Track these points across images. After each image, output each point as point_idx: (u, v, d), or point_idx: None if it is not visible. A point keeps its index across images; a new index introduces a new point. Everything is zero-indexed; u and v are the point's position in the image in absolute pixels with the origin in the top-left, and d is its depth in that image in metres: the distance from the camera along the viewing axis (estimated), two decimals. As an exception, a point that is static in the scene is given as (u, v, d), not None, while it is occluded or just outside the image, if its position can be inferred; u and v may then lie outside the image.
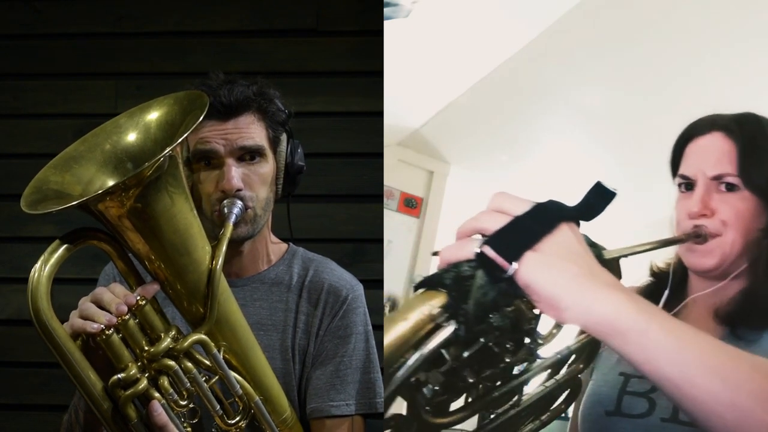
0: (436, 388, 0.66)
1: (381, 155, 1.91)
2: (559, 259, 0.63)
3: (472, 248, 0.64)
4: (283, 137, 1.25)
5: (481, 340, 0.67)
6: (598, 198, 0.68)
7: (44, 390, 1.87)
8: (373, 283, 1.84)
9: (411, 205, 3.64)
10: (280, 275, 1.28)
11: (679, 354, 0.60)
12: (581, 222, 0.69)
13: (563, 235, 0.64)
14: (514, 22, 2.34)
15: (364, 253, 1.89)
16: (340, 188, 1.92)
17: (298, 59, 1.92)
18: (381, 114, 1.91)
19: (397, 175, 3.51)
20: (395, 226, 3.47)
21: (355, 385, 1.22)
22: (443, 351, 0.66)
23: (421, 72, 2.71)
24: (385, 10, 2.05)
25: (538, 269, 0.62)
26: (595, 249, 0.71)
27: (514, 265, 0.62)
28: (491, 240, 0.63)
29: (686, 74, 2.47)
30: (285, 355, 1.23)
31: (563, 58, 2.51)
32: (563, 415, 0.97)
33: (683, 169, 1.09)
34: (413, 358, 0.63)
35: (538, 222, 0.64)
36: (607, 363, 1.12)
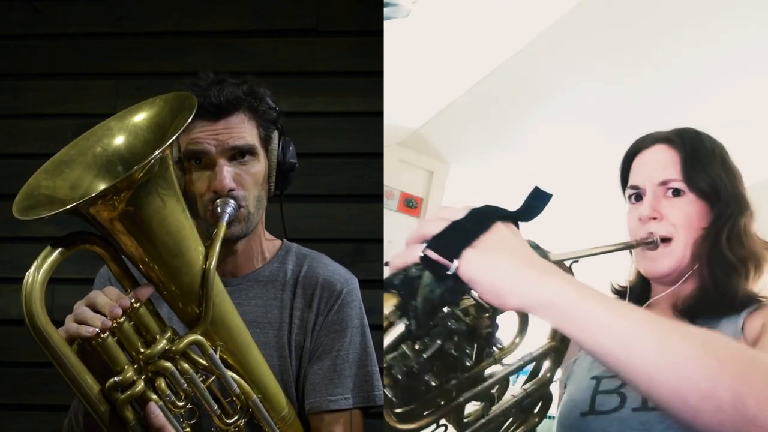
0: (399, 384, 0.69)
1: (381, 155, 1.91)
2: (496, 251, 0.68)
3: (417, 253, 0.69)
4: (275, 135, 1.25)
5: (438, 342, 0.72)
6: (536, 200, 0.73)
7: (44, 390, 1.87)
8: (373, 283, 1.83)
9: (411, 205, 3.63)
10: (274, 272, 1.28)
11: (617, 327, 0.63)
12: (524, 223, 0.74)
13: (499, 231, 0.69)
14: (514, 23, 2.34)
15: (364, 253, 1.89)
16: (340, 188, 1.92)
17: (298, 59, 1.92)
18: (381, 114, 1.91)
19: (397, 175, 3.51)
20: (395, 226, 3.47)
21: (352, 378, 1.22)
22: (404, 349, 0.68)
23: (421, 72, 2.71)
24: (385, 10, 2.05)
25: (478, 263, 0.67)
26: (540, 251, 0.74)
27: (456, 262, 0.67)
28: (432, 242, 0.68)
29: (687, 74, 2.47)
30: (282, 352, 1.23)
31: (563, 58, 2.51)
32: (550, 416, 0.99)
33: (632, 180, 1.17)
34: None
35: (474, 223, 0.69)
36: (580, 371, 1.16)
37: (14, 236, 1.89)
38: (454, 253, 0.67)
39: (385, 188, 1.96)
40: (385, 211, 2.00)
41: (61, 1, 1.95)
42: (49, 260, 0.93)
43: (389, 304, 0.68)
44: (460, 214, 0.70)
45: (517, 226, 0.72)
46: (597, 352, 0.64)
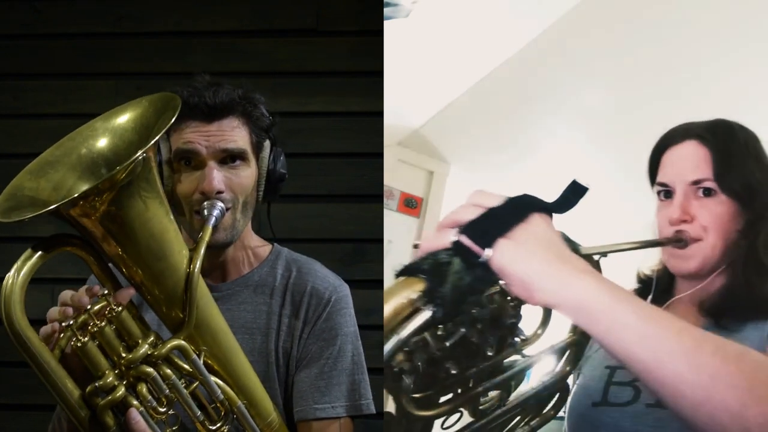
0: (419, 370, 0.68)
1: (381, 155, 1.91)
2: (530, 244, 0.66)
3: (449, 238, 0.67)
4: (267, 144, 1.24)
5: (462, 330, 0.70)
6: (574, 193, 0.72)
7: (44, 390, 1.87)
8: (373, 283, 1.83)
9: (411, 205, 3.63)
10: (263, 277, 1.27)
11: (647, 335, 0.61)
12: (557, 215, 0.72)
13: (535, 223, 0.68)
14: (514, 22, 2.34)
15: (364, 253, 1.89)
16: (340, 188, 1.92)
17: (298, 59, 1.92)
18: (381, 114, 1.91)
19: (397, 175, 3.51)
20: (395, 226, 3.46)
21: (340, 387, 1.21)
22: (426, 336, 0.68)
23: (421, 72, 2.71)
24: (385, 10, 2.05)
25: (511, 254, 0.65)
26: (571, 244, 0.73)
27: (488, 251, 0.65)
28: (466, 229, 0.66)
29: (687, 75, 2.46)
30: (269, 359, 1.22)
31: (563, 58, 2.51)
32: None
33: (661, 177, 1.13)
34: (391, 342, 0.65)
35: (510, 212, 0.68)
36: (595, 360, 1.14)
37: (14, 236, 1.88)
38: (487, 242, 0.65)
39: (385, 188, 1.96)
40: (385, 211, 2.00)
41: (61, 1, 1.95)
42: (29, 263, 0.92)
43: (413, 288, 0.67)
44: (496, 202, 0.68)
45: (551, 219, 0.70)
46: (624, 358, 0.62)
